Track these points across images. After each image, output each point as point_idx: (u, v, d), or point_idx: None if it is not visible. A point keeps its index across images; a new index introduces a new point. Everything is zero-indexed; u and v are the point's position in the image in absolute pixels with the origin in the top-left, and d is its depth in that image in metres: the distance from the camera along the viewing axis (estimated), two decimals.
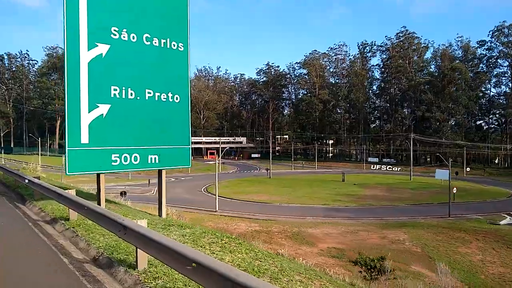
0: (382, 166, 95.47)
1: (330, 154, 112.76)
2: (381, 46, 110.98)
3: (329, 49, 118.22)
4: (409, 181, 71.99)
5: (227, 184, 62.08)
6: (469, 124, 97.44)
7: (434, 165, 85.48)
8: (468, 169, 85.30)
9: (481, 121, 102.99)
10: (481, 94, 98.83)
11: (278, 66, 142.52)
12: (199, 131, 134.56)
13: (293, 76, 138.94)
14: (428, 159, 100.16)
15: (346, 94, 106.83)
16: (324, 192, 57.66)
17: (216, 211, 42.34)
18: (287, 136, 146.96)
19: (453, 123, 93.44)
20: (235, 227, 35.92)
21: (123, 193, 44.60)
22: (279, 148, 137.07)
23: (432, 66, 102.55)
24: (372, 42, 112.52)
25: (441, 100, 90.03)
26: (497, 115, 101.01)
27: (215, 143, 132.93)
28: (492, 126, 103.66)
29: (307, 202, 48.89)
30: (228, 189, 58.70)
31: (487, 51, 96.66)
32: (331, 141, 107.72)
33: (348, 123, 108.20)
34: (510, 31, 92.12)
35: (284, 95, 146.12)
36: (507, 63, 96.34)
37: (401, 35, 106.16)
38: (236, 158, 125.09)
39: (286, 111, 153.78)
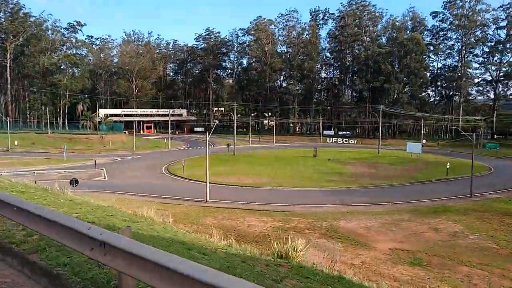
0: (338, 139, 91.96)
1: (274, 127, 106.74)
2: (333, 14, 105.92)
3: (280, 16, 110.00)
4: (379, 155, 68.61)
5: (193, 164, 52.41)
6: (423, 96, 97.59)
7: (393, 138, 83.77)
8: (424, 141, 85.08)
9: (430, 94, 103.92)
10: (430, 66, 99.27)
11: (219, 32, 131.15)
12: (132, 102, 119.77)
13: (236, 43, 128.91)
14: (385, 132, 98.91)
15: (300, 63, 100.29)
16: (308, 171, 51.07)
17: (206, 201, 33.26)
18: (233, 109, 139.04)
19: (409, 95, 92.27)
20: (248, 225, 27.56)
21: (73, 182, 33.75)
22: (218, 121, 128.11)
23: (386, 37, 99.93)
24: (326, 9, 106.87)
25: (399, 71, 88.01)
26: (442, 87, 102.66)
27: (151, 115, 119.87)
28: (436, 98, 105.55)
29: (300, 184, 41.75)
30: (198, 169, 49.36)
31: (439, 23, 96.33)
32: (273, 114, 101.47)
33: (302, 93, 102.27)
34: (461, 3, 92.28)
35: (225, 63, 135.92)
36: (456, 36, 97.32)
37: (353, 2, 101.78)
38: (177, 132, 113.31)
39: (226, 81, 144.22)
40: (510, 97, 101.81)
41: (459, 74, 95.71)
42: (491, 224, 28.22)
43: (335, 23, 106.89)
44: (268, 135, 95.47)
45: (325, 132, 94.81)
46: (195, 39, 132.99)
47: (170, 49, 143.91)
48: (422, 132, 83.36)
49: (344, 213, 30.63)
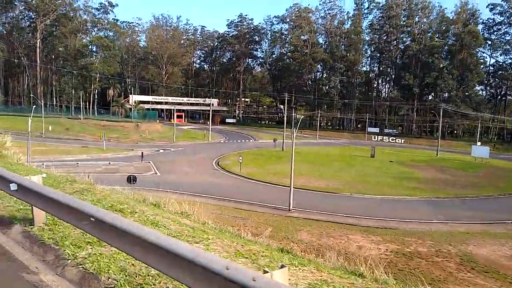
0: (384, 138, 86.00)
1: (322, 123, 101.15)
2: (379, 3, 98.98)
3: (322, 3, 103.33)
4: (438, 158, 62.80)
5: (243, 161, 47.56)
6: (479, 94, 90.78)
7: (450, 139, 77.59)
8: (479, 143, 78.72)
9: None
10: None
11: (252, 19, 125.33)
12: (160, 89, 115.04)
13: (270, 32, 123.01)
14: (434, 133, 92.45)
15: (343, 54, 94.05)
16: (376, 173, 45.79)
17: (290, 210, 28.30)
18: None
19: (463, 93, 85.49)
20: (357, 246, 22.53)
21: (131, 179, 29.20)
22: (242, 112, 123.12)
23: (435, 29, 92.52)
24: None
25: (453, 67, 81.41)
26: (494, 86, 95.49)
27: (182, 104, 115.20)
28: (486, 97, 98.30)
29: (381, 191, 36.41)
30: (252, 166, 44.47)
31: (497, 16, 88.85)
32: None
33: (344, 86, 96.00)
34: None
35: (256, 52, 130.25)
36: None
37: None
38: (207, 122, 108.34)
39: (257, 70, 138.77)
40: None
41: None
42: None
43: (380, 12, 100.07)
44: (303, 129, 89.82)
45: (369, 129, 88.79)
46: (227, 25, 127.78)
47: (198, 36, 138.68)
48: (478, 134, 76.81)
49: (463, 234, 25.35)
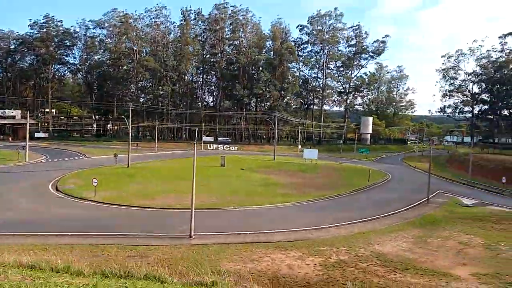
0: (219, 146, 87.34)
1: (146, 133, 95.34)
2: (203, 15, 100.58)
3: (147, 11, 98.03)
4: (277, 162, 67.24)
5: (86, 181, 40.01)
6: (297, 103, 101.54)
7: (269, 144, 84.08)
8: (300, 147, 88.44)
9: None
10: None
11: (61, 21, 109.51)
12: None
13: (85, 36, 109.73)
14: (257, 139, 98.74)
15: (175, 64, 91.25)
16: (240, 183, 45.25)
17: (191, 236, 24.39)
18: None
19: (284, 102, 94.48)
20: (288, 266, 20.76)
21: None
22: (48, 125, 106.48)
23: (252, 43, 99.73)
24: (198, 9, 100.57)
25: (275, 79, 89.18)
26: (304, 97, 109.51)
27: None
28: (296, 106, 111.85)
29: (258, 202, 35.73)
30: (105, 190, 37.68)
31: (305, 36, 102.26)
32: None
33: (178, 97, 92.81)
34: (324, 20, 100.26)
35: (68, 58, 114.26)
36: (317, 49, 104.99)
37: (226, 6, 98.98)
38: (9, 139, 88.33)
39: (68, 78, 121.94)
40: (356, 107, 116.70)
41: (321, 85, 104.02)
42: (500, 232, 28.70)
43: (205, 25, 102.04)
44: (136, 141, 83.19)
45: (204, 138, 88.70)
46: (29, 25, 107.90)
47: None
48: (299, 138, 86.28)
49: (361, 235, 26.64)
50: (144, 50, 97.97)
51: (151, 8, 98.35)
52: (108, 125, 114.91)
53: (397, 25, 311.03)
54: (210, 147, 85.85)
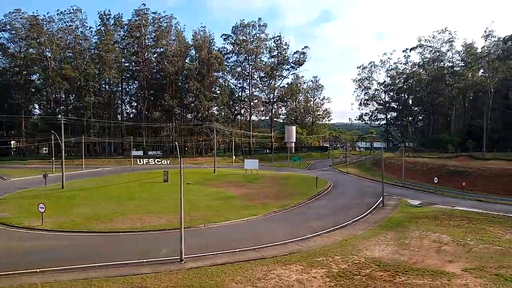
0: (150, 160, 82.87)
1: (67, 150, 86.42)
2: (123, 20, 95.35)
3: (59, 13, 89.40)
4: (218, 174, 65.97)
5: (18, 209, 35.19)
6: (227, 114, 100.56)
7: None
8: (234, 157, 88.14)
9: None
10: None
11: None
12: None
13: None
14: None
15: (98, 72, 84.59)
16: (196, 199, 43.29)
17: (182, 260, 22.49)
18: None
19: (215, 110, 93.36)
20: (295, 281, 20.25)
21: None
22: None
23: (185, 53, 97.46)
24: (119, 14, 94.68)
25: (205, 89, 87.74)
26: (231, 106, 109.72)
27: None
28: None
29: (226, 217, 34.60)
30: (51, 217, 33.32)
31: (230, 45, 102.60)
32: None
33: (100, 108, 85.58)
34: (248, 30, 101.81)
35: None
36: (242, 59, 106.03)
37: (146, 11, 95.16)
38: None
39: None
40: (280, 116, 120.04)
41: (247, 95, 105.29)
42: (451, 228, 31.32)
43: (125, 31, 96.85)
44: (75, 158, 74.92)
45: (134, 152, 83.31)
46: None
47: None
48: (233, 148, 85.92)
49: (346, 242, 27.09)
50: (58, 57, 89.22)
51: (65, 11, 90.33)
52: (12, 142, 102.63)
53: (300, 38, 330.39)
54: (140, 161, 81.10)
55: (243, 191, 48.89)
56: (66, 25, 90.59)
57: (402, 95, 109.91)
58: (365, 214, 35.96)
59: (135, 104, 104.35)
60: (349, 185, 56.03)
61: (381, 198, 40.43)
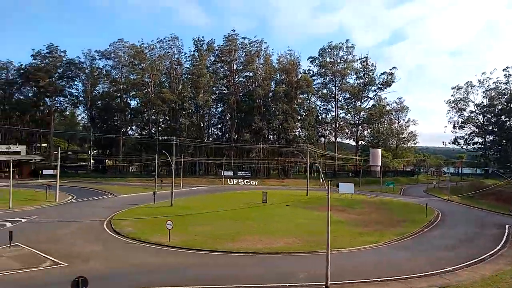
0: (239, 180, 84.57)
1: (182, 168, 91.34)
2: (215, 45, 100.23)
3: (159, 41, 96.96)
4: (311, 197, 64.88)
5: (139, 224, 37.09)
6: (314, 135, 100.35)
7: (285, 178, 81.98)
8: (322, 179, 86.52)
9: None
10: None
11: (65, 51, 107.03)
12: None
13: (90, 67, 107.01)
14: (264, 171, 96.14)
15: (192, 96, 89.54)
16: (302, 222, 42.67)
17: (327, 287, 21.67)
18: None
19: (303, 133, 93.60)
20: None
21: (80, 284, 17.60)
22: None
23: (273, 77, 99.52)
24: (211, 40, 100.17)
25: (293, 111, 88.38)
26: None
27: None
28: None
29: (342, 242, 33.31)
30: (174, 234, 34.36)
31: (317, 67, 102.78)
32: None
33: (193, 129, 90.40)
34: (336, 52, 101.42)
35: (70, 89, 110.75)
36: (324, 81, 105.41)
37: (235, 37, 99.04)
38: (16, 176, 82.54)
39: (71, 111, 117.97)
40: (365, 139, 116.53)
41: (332, 116, 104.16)
42: None
43: (215, 56, 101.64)
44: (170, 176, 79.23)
45: (224, 172, 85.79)
46: (31, 56, 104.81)
47: None
48: (321, 172, 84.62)
49: (496, 278, 24.52)
50: (160, 80, 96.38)
51: (164, 39, 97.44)
52: (107, 161, 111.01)
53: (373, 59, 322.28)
54: (230, 181, 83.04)
55: (349, 216, 47.27)
56: (165, 52, 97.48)
57: (503, 117, 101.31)
58: (500, 246, 32.62)
59: (219, 126, 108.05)
60: (458, 214, 51.90)
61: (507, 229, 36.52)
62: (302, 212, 48.72)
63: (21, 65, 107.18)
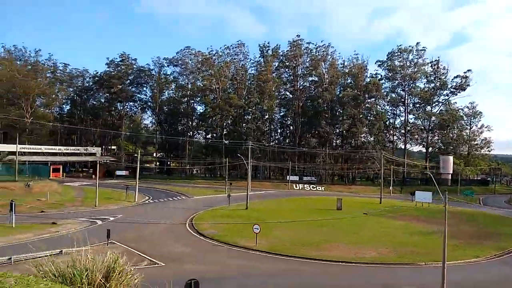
0: (305, 185, 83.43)
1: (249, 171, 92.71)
2: (282, 51, 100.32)
3: (225, 48, 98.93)
4: (384, 205, 62.09)
5: (218, 225, 37.02)
6: (387, 141, 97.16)
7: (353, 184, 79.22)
8: (391, 188, 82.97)
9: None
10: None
11: (135, 59, 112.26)
12: (25, 137, 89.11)
13: (156, 74, 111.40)
14: (338, 178, 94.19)
15: (258, 101, 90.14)
16: (386, 231, 40.69)
17: None
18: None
19: (372, 139, 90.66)
20: None
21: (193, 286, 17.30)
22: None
23: (340, 81, 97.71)
24: (277, 45, 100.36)
25: (362, 116, 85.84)
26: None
27: (56, 154, 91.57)
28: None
29: (437, 255, 31.05)
30: (262, 238, 33.90)
31: (385, 71, 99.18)
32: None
33: (259, 134, 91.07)
34: (406, 55, 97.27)
35: (140, 95, 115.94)
36: (391, 85, 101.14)
37: (300, 42, 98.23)
38: (93, 176, 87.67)
39: (140, 115, 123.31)
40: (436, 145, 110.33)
41: (401, 122, 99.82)
42: None
43: (280, 62, 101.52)
44: (239, 179, 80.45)
45: (290, 177, 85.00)
46: (106, 64, 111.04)
47: (65, 73, 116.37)
48: (391, 179, 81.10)
49: None
50: (227, 86, 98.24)
51: (231, 45, 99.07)
52: (169, 163, 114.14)
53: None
54: (295, 186, 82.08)
55: (433, 227, 44.35)
56: (232, 58, 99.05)
57: None
58: None
59: (280, 130, 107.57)
60: None
61: None
62: (383, 221, 46.61)
63: (96, 72, 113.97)
